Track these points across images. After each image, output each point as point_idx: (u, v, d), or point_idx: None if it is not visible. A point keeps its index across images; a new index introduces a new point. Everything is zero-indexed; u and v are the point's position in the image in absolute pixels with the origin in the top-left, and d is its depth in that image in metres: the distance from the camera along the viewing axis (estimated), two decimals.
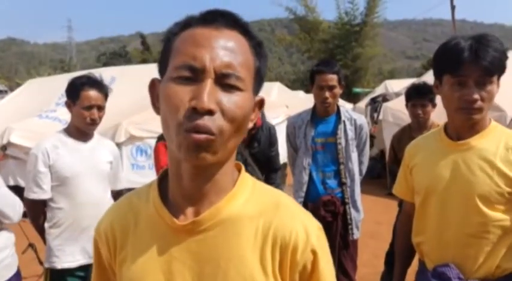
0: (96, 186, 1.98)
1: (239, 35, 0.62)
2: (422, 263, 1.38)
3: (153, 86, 0.67)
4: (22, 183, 4.73)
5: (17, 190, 5.13)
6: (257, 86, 0.65)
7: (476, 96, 1.15)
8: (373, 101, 7.94)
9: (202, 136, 0.56)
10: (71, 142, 1.97)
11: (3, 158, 4.97)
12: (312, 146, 2.39)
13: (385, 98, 7.78)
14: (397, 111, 5.68)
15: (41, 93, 6.33)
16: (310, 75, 2.39)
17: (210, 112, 0.56)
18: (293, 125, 2.49)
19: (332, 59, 3.16)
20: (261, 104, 0.69)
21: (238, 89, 0.59)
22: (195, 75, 0.58)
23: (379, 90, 10.41)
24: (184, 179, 0.63)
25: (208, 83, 0.57)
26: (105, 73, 3.25)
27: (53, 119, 5.26)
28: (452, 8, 11.66)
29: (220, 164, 0.63)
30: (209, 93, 0.56)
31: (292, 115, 2.70)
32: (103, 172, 2.03)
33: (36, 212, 1.98)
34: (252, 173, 2.58)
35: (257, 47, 0.65)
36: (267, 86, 12.53)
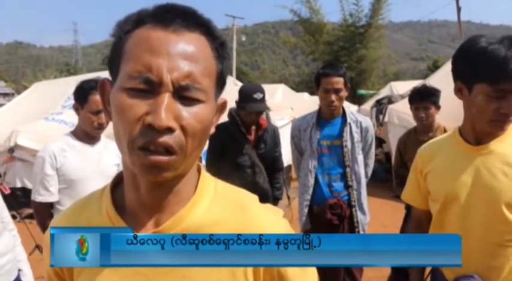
0: None
1: (200, 37, 0.56)
2: (437, 275, 1.31)
3: (104, 88, 0.61)
4: (29, 185, 4.77)
5: (24, 192, 5.16)
6: (219, 91, 0.61)
7: None
8: (379, 103, 7.92)
9: (164, 158, 0.52)
10: (78, 144, 1.99)
11: (10, 160, 5.01)
12: (318, 148, 2.38)
13: (390, 100, 7.77)
14: (402, 113, 5.65)
15: (47, 96, 6.39)
16: (316, 78, 2.38)
17: (170, 129, 0.52)
18: (298, 128, 2.49)
19: (337, 61, 3.17)
20: (223, 107, 0.64)
21: (199, 101, 0.55)
22: (150, 87, 0.52)
23: (384, 92, 10.37)
24: (141, 190, 0.59)
25: (166, 97, 0.52)
26: None
27: (59, 122, 5.30)
28: (458, 9, 11.60)
29: (182, 176, 0.59)
30: (167, 109, 0.51)
31: (297, 118, 2.70)
32: (110, 175, 2.03)
33: (43, 215, 1.99)
34: (259, 174, 2.62)
35: (220, 48, 0.59)
36: (271, 88, 12.53)
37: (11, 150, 4.97)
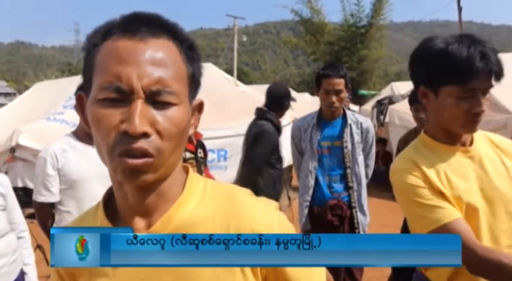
0: (104, 189, 1.99)
1: (168, 42, 0.57)
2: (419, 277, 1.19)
3: (81, 102, 0.63)
4: (30, 185, 4.78)
5: (25, 192, 5.17)
6: (193, 93, 0.62)
7: (485, 107, 1.05)
8: (380, 103, 7.92)
9: (140, 161, 0.53)
10: (79, 145, 1.99)
11: (11, 160, 5.03)
12: (318, 149, 2.38)
13: (391, 100, 7.78)
14: (403, 113, 5.65)
15: (49, 95, 6.41)
16: (316, 79, 2.38)
17: (145, 135, 0.53)
18: (298, 128, 2.49)
19: (338, 62, 3.24)
20: (200, 107, 0.65)
21: (171, 104, 0.56)
22: (123, 96, 0.54)
23: (385, 93, 10.37)
24: (129, 196, 0.60)
25: (139, 104, 0.53)
26: None
27: (60, 122, 5.31)
28: (460, 9, 11.59)
29: (165, 178, 0.60)
30: (141, 115, 0.53)
31: (298, 118, 2.71)
32: None
33: (45, 215, 2.00)
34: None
35: (188, 51, 0.60)
36: None
37: (13, 150, 4.99)
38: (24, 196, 4.75)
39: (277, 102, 2.80)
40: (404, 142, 2.92)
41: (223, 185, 0.67)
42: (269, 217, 0.62)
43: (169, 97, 0.55)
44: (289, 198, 5.50)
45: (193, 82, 0.61)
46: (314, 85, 2.44)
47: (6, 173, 4.91)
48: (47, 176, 1.91)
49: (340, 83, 2.29)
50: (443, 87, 1.07)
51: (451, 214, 1.04)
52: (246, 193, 0.66)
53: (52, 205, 1.99)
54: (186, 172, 0.66)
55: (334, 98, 2.29)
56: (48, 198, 1.94)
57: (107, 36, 0.57)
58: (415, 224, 1.11)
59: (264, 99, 2.88)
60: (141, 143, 0.53)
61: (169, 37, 0.58)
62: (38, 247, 3.07)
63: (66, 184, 1.94)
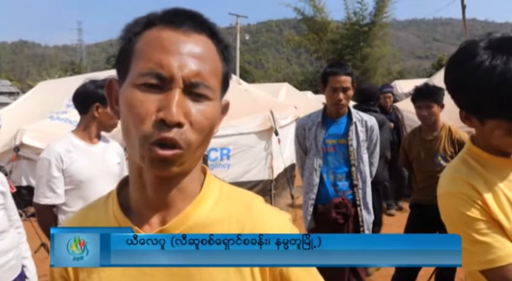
0: (110, 187, 1.98)
1: (207, 40, 0.59)
2: None
3: (111, 87, 0.63)
4: (34, 183, 4.80)
5: (30, 190, 5.18)
6: (223, 92, 0.63)
7: None
8: None
9: (170, 152, 0.54)
10: (82, 144, 1.97)
11: (15, 159, 5.05)
12: (323, 147, 2.37)
13: (394, 98, 7.73)
14: (406, 112, 5.62)
15: (52, 95, 6.42)
16: (323, 77, 2.37)
17: (179, 125, 0.54)
18: (303, 127, 2.48)
19: (341, 60, 3.22)
20: (225, 108, 0.66)
21: (207, 98, 0.57)
22: (162, 83, 0.55)
23: None
24: (147, 188, 0.60)
25: (177, 93, 0.54)
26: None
27: (64, 121, 5.34)
28: (463, 7, 11.53)
29: (187, 172, 0.61)
30: (178, 105, 0.53)
31: (302, 117, 2.70)
32: (114, 173, 2.04)
33: (48, 217, 1.94)
34: None
35: (224, 50, 0.62)
36: (275, 86, 12.52)
37: (17, 149, 5.02)
38: (28, 195, 4.78)
39: (373, 97, 3.81)
40: (408, 141, 2.90)
41: (239, 190, 0.68)
42: (282, 225, 0.63)
43: (206, 91, 0.56)
44: (292, 197, 5.50)
45: (225, 82, 0.62)
46: (320, 83, 2.43)
47: (10, 172, 4.95)
48: (52, 177, 1.87)
49: (347, 80, 2.28)
50: (490, 119, 0.93)
51: (507, 256, 0.92)
52: (260, 200, 0.67)
53: (53, 207, 1.96)
54: (204, 172, 0.67)
55: (341, 96, 2.28)
56: (53, 200, 1.89)
57: (149, 26, 0.58)
58: (467, 259, 0.96)
59: (359, 96, 3.82)
60: (175, 133, 0.54)
61: (208, 35, 0.59)
62: (43, 245, 3.09)
63: (72, 184, 1.91)
